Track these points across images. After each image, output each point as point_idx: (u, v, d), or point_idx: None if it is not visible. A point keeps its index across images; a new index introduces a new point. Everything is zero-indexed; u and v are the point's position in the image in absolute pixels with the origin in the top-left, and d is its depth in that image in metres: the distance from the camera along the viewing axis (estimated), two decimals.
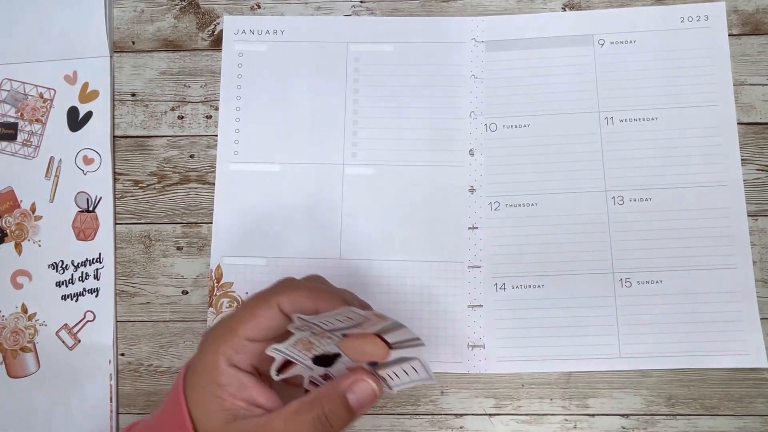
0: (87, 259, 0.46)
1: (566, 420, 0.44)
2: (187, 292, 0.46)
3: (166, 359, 0.46)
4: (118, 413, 0.45)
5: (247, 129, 0.47)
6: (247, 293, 0.45)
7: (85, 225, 0.47)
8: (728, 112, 0.46)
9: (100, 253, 0.46)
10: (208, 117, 0.48)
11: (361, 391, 0.31)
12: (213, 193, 0.47)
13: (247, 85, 0.48)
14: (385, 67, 0.47)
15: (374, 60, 0.48)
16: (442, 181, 0.46)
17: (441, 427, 0.44)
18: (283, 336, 0.32)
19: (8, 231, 0.47)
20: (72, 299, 0.46)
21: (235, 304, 0.45)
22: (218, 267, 0.46)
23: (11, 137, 0.48)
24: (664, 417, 0.44)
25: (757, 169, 0.45)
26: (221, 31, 0.48)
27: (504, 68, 0.47)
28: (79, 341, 0.46)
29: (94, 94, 0.48)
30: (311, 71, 0.48)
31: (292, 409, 0.31)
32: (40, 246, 0.47)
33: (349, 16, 0.48)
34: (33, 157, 0.47)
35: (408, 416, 0.44)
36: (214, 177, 0.47)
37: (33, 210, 0.47)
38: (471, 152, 0.46)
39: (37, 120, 0.48)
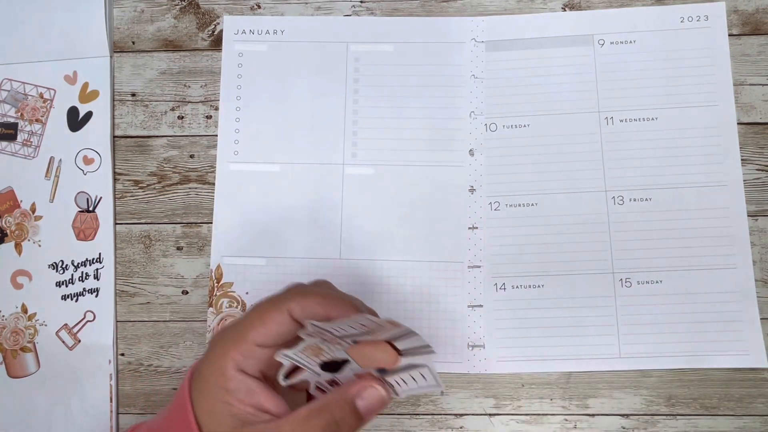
0: (87, 259, 0.46)
1: (566, 420, 0.44)
2: (187, 292, 0.46)
3: (166, 359, 0.46)
4: (118, 413, 0.45)
5: (247, 129, 0.47)
6: (247, 293, 0.45)
7: (85, 225, 0.47)
8: (728, 112, 0.46)
9: (100, 253, 0.46)
10: (208, 117, 0.48)
11: (370, 397, 0.31)
12: (213, 193, 0.47)
13: (247, 85, 0.48)
14: (385, 67, 0.47)
15: (374, 60, 0.48)
16: (442, 181, 0.46)
17: (441, 427, 0.44)
18: (291, 342, 0.32)
19: (8, 231, 0.47)
20: (72, 299, 0.46)
21: (235, 304, 0.45)
22: (218, 267, 0.46)
23: (11, 137, 0.48)
24: (664, 417, 0.44)
25: (757, 169, 0.45)
26: (221, 31, 0.48)
27: (504, 68, 0.47)
28: (79, 341, 0.46)
29: (94, 94, 0.48)
30: (311, 71, 0.48)
31: (301, 415, 0.31)
32: (40, 246, 0.47)
33: (349, 16, 0.48)
34: (33, 157, 0.47)
35: (408, 416, 0.44)
36: (214, 177, 0.47)
37: (33, 210, 0.47)
38: (471, 152, 0.46)
39: (37, 120, 0.48)
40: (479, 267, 0.45)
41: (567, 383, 0.44)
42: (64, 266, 0.46)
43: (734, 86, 0.46)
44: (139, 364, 0.46)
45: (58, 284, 0.46)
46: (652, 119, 0.46)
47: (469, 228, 0.46)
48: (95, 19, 0.48)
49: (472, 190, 0.46)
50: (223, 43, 0.48)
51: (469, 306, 0.45)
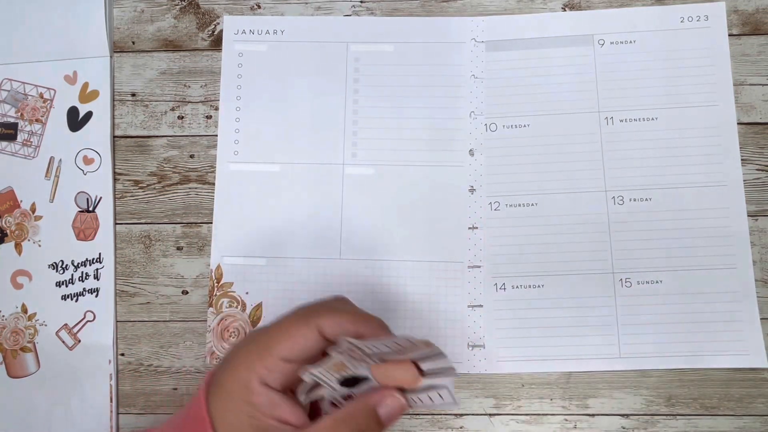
0: (87, 259, 0.46)
1: (566, 420, 0.44)
2: (187, 292, 0.46)
3: (166, 359, 0.46)
4: (118, 413, 0.45)
5: (247, 129, 0.47)
6: (247, 293, 0.45)
7: (85, 225, 0.47)
8: (728, 112, 0.46)
9: (100, 253, 0.46)
10: (208, 117, 0.48)
11: (391, 405, 0.31)
12: (213, 193, 0.47)
13: (247, 85, 0.48)
14: (385, 67, 0.47)
15: (374, 60, 0.48)
16: (442, 181, 0.46)
17: (441, 427, 0.44)
18: (315, 357, 0.32)
19: (8, 231, 0.47)
20: (72, 299, 0.46)
21: (235, 304, 0.45)
22: (218, 267, 0.46)
23: (11, 137, 0.48)
24: (664, 417, 0.44)
25: (757, 169, 0.45)
26: (221, 31, 0.48)
27: (504, 68, 0.47)
28: (79, 341, 0.46)
29: (94, 94, 0.48)
30: (311, 71, 0.48)
31: (326, 425, 0.31)
32: (40, 246, 0.47)
33: (349, 16, 0.48)
34: (33, 157, 0.47)
35: (408, 416, 0.44)
36: (214, 177, 0.47)
37: (33, 210, 0.47)
38: (471, 152, 0.46)
39: (37, 120, 0.48)
40: (479, 267, 0.45)
41: (567, 383, 0.44)
42: (64, 266, 0.46)
43: (734, 86, 0.46)
44: (139, 364, 0.46)
45: (58, 284, 0.46)
46: (652, 119, 0.46)
47: (469, 228, 0.46)
48: (95, 19, 0.48)
49: (472, 190, 0.46)
50: (223, 43, 0.48)
51: (469, 306, 0.45)
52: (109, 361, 0.46)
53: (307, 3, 0.49)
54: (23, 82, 0.48)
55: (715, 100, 0.46)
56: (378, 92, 0.47)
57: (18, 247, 0.47)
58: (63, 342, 0.46)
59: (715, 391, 0.44)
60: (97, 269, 0.46)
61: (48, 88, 0.48)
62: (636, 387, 0.44)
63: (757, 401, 0.43)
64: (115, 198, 0.47)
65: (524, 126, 0.46)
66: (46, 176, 0.47)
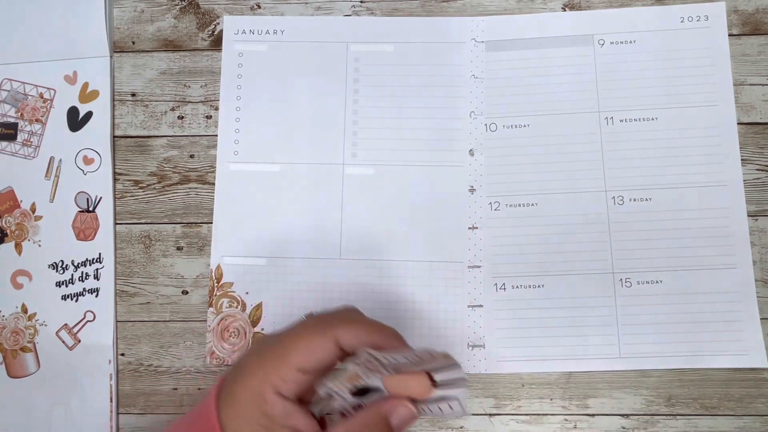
0: (87, 259, 0.46)
1: (566, 420, 0.44)
2: (187, 292, 0.46)
3: (166, 359, 0.46)
4: (118, 413, 0.45)
5: (247, 129, 0.47)
6: (247, 293, 0.45)
7: (85, 225, 0.47)
8: (728, 112, 0.46)
9: (100, 253, 0.46)
10: (208, 117, 0.48)
11: (402, 415, 0.31)
12: (213, 193, 0.47)
13: (247, 85, 0.48)
14: (385, 67, 0.47)
15: (374, 60, 0.48)
16: (442, 181, 0.46)
17: (441, 427, 0.44)
18: (328, 367, 0.32)
19: (8, 231, 0.47)
20: (72, 299, 0.46)
21: (235, 304, 0.45)
22: (218, 267, 0.46)
23: (11, 137, 0.48)
24: (664, 417, 0.44)
25: (757, 169, 0.45)
26: (221, 31, 0.48)
27: (504, 68, 0.47)
28: (79, 341, 0.46)
29: (94, 94, 0.48)
30: (311, 71, 0.48)
31: None
32: (40, 246, 0.47)
33: (349, 16, 0.48)
34: (33, 157, 0.47)
35: None
36: (214, 177, 0.47)
37: (33, 210, 0.47)
38: (471, 152, 0.46)
39: (37, 120, 0.48)
40: (479, 267, 0.45)
41: (567, 383, 0.44)
42: (64, 266, 0.46)
43: (734, 86, 0.46)
44: (139, 364, 0.46)
45: (58, 284, 0.46)
46: (652, 119, 0.46)
47: (469, 228, 0.46)
48: (95, 19, 0.48)
49: (472, 190, 0.46)
50: (223, 43, 0.48)
51: (469, 306, 0.45)
52: (109, 361, 0.46)
53: (307, 3, 0.49)
54: (23, 82, 0.48)
55: (715, 100, 0.46)
56: (378, 92, 0.47)
57: (18, 247, 0.47)
58: (63, 342, 0.46)
59: (715, 391, 0.44)
60: (97, 269, 0.46)
61: (48, 88, 0.48)
62: (636, 387, 0.44)
63: (757, 401, 0.43)
64: (115, 198, 0.47)
65: (524, 126, 0.46)
66: (46, 176, 0.47)
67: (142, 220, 0.47)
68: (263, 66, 0.48)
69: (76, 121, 0.48)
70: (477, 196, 0.46)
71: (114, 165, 0.47)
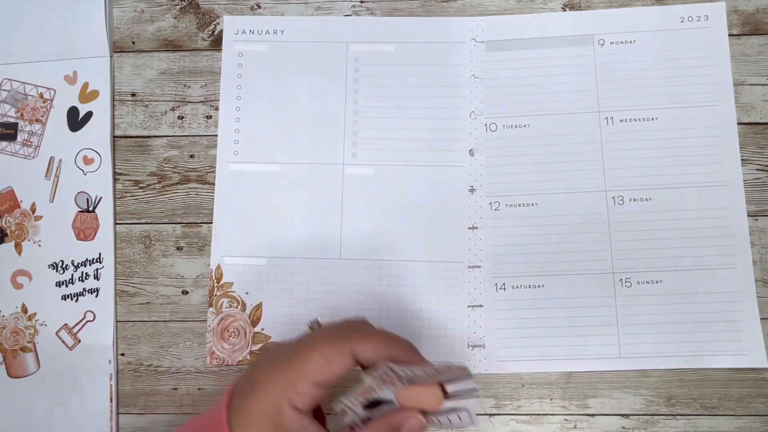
0: (87, 259, 0.46)
1: (566, 420, 0.44)
2: (187, 292, 0.46)
3: (166, 359, 0.46)
4: (118, 413, 0.45)
5: (247, 129, 0.47)
6: (247, 293, 0.45)
7: (85, 225, 0.47)
8: (728, 112, 0.46)
9: (100, 253, 0.46)
10: (208, 117, 0.48)
11: (413, 426, 0.32)
12: (213, 193, 0.47)
13: (247, 85, 0.48)
14: (385, 67, 0.47)
15: (374, 60, 0.48)
16: (442, 181, 0.46)
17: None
18: (342, 380, 0.32)
19: (8, 231, 0.47)
20: (72, 299, 0.46)
21: (235, 304, 0.45)
22: (218, 267, 0.46)
23: (11, 137, 0.48)
24: (664, 417, 0.44)
25: (757, 169, 0.45)
26: (221, 31, 0.48)
27: (504, 68, 0.47)
28: (79, 341, 0.46)
29: (94, 94, 0.48)
30: (311, 71, 0.48)
31: None
32: (40, 246, 0.47)
33: (349, 16, 0.48)
34: (33, 157, 0.47)
35: None
36: (214, 177, 0.47)
37: (33, 210, 0.47)
38: (471, 152, 0.46)
39: (37, 120, 0.48)
40: (479, 267, 0.45)
41: (567, 383, 0.44)
42: (64, 266, 0.46)
43: (734, 86, 0.46)
44: (139, 364, 0.46)
45: (58, 284, 0.46)
46: (652, 119, 0.46)
47: (469, 228, 0.46)
48: (95, 19, 0.48)
49: (472, 190, 0.46)
50: (223, 43, 0.48)
51: (469, 306, 0.45)
52: (109, 361, 0.46)
53: (307, 3, 0.49)
54: (23, 82, 0.48)
55: (715, 100, 0.46)
56: (378, 92, 0.47)
57: (18, 247, 0.47)
58: (63, 342, 0.46)
59: (715, 391, 0.44)
60: (97, 269, 0.46)
61: (48, 88, 0.48)
62: (636, 387, 0.44)
63: (757, 401, 0.43)
64: (115, 198, 0.47)
65: (524, 126, 0.46)
66: (46, 176, 0.47)
67: (142, 220, 0.47)
68: (263, 66, 0.48)
69: (76, 121, 0.48)
70: (477, 196, 0.46)
71: (114, 165, 0.47)
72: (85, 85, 0.48)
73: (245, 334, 0.45)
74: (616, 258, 0.45)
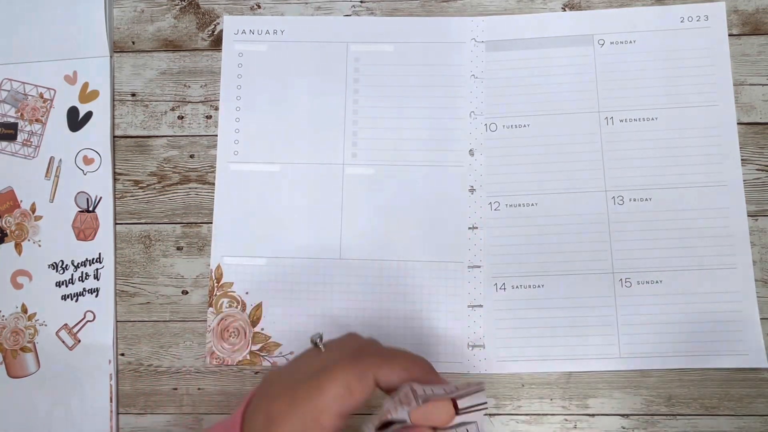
0: (87, 259, 0.46)
1: (566, 420, 0.44)
2: (187, 292, 0.46)
3: (166, 359, 0.46)
4: (118, 413, 0.45)
5: (247, 129, 0.47)
6: (247, 293, 0.45)
7: (85, 225, 0.47)
8: (728, 112, 0.46)
9: (100, 253, 0.46)
10: (208, 117, 0.48)
11: None
12: (213, 193, 0.47)
13: (247, 85, 0.48)
14: (385, 67, 0.47)
15: (374, 60, 0.48)
16: (442, 181, 0.46)
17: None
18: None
19: (8, 231, 0.47)
20: (72, 299, 0.46)
21: (235, 304, 0.45)
22: (218, 267, 0.46)
23: (11, 137, 0.48)
24: (664, 417, 0.44)
25: (757, 169, 0.45)
26: (221, 31, 0.48)
27: (504, 68, 0.47)
28: (79, 341, 0.46)
29: (94, 94, 0.48)
30: (311, 71, 0.48)
31: None
32: (40, 246, 0.47)
33: (349, 16, 0.48)
34: (33, 157, 0.47)
35: None
36: (214, 177, 0.47)
37: (33, 210, 0.47)
38: (471, 152, 0.46)
39: (37, 120, 0.48)
40: (479, 267, 0.45)
41: (567, 383, 0.44)
42: (64, 266, 0.46)
43: (734, 86, 0.46)
44: (139, 364, 0.46)
45: (58, 284, 0.46)
46: (652, 119, 0.46)
47: (469, 228, 0.46)
48: (95, 19, 0.48)
49: (472, 190, 0.46)
50: (223, 43, 0.48)
51: (469, 306, 0.45)
52: (109, 361, 0.46)
53: (307, 3, 0.49)
54: (23, 82, 0.48)
55: (715, 100, 0.46)
56: (378, 92, 0.47)
57: (18, 247, 0.47)
58: (63, 342, 0.46)
59: (715, 391, 0.44)
60: (97, 269, 0.46)
61: (48, 88, 0.48)
62: (636, 387, 0.44)
63: (757, 401, 0.43)
64: (115, 198, 0.47)
65: (524, 126, 0.46)
66: (46, 176, 0.47)
67: (142, 220, 0.47)
68: (263, 66, 0.48)
69: (76, 121, 0.48)
70: (477, 196, 0.46)
71: (114, 165, 0.47)
72: (85, 85, 0.48)
73: (245, 334, 0.45)
74: (616, 258, 0.45)
